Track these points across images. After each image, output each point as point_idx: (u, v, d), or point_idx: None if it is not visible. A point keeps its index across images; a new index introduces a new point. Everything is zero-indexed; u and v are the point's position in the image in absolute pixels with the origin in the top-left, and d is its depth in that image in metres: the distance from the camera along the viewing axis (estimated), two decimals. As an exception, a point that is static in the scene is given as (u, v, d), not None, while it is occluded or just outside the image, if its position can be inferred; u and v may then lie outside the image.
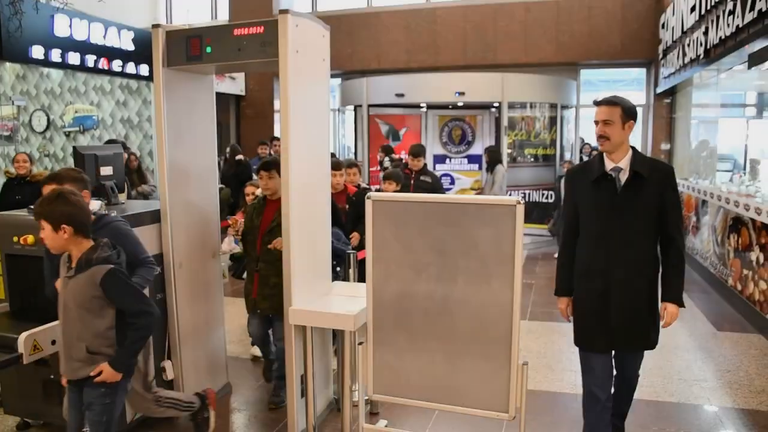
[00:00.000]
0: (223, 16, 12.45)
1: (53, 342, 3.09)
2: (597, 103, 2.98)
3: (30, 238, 3.35)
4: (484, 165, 9.64)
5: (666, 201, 2.91)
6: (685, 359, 4.89)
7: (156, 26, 3.62)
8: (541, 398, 4.19)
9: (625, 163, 2.92)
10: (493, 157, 9.05)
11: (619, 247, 2.93)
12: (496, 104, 9.99)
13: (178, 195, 3.79)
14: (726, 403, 4.12)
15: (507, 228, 2.83)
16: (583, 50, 10.66)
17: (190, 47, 3.57)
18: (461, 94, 9.58)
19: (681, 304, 3.00)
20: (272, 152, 7.89)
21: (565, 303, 3.21)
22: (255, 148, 10.56)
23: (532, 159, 10.26)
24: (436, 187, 6.24)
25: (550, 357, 4.97)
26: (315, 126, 3.64)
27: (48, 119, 10.23)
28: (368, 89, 10.26)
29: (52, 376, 3.42)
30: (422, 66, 11.28)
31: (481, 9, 11.03)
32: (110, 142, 5.86)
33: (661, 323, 3.05)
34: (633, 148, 2.97)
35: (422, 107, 10.61)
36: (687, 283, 7.84)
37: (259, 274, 3.92)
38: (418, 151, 6.42)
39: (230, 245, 4.12)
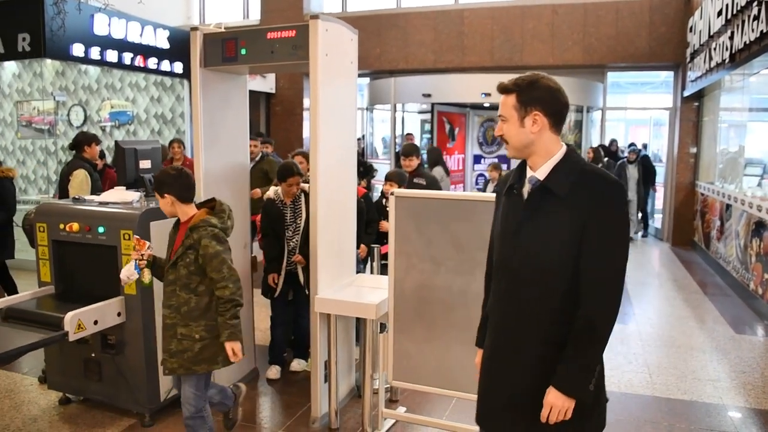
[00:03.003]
0: (255, 16, 12.71)
1: (95, 322, 3.33)
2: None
3: (75, 226, 3.60)
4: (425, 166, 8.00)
5: (587, 236, 1.85)
6: (700, 359, 4.96)
7: (194, 29, 3.83)
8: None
9: (543, 172, 1.95)
10: (432, 157, 7.67)
11: (512, 288, 1.99)
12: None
13: (212, 188, 3.99)
14: (738, 403, 4.20)
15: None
16: (610, 53, 10.65)
17: (225, 49, 3.78)
18: (487, 95, 9.67)
19: (574, 396, 1.86)
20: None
21: (479, 357, 2.20)
22: (284, 144, 10.81)
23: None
24: (431, 189, 5.27)
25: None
26: (343, 125, 3.82)
27: (85, 114, 10.62)
28: (396, 89, 10.42)
29: (92, 354, 3.66)
30: (449, 66, 11.38)
31: (508, 10, 11.09)
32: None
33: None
34: (569, 148, 1.99)
35: (466, 107, 10.73)
36: (706, 286, 7.71)
37: (164, 323, 2.99)
38: (408, 151, 5.53)
39: (129, 272, 3.03)
